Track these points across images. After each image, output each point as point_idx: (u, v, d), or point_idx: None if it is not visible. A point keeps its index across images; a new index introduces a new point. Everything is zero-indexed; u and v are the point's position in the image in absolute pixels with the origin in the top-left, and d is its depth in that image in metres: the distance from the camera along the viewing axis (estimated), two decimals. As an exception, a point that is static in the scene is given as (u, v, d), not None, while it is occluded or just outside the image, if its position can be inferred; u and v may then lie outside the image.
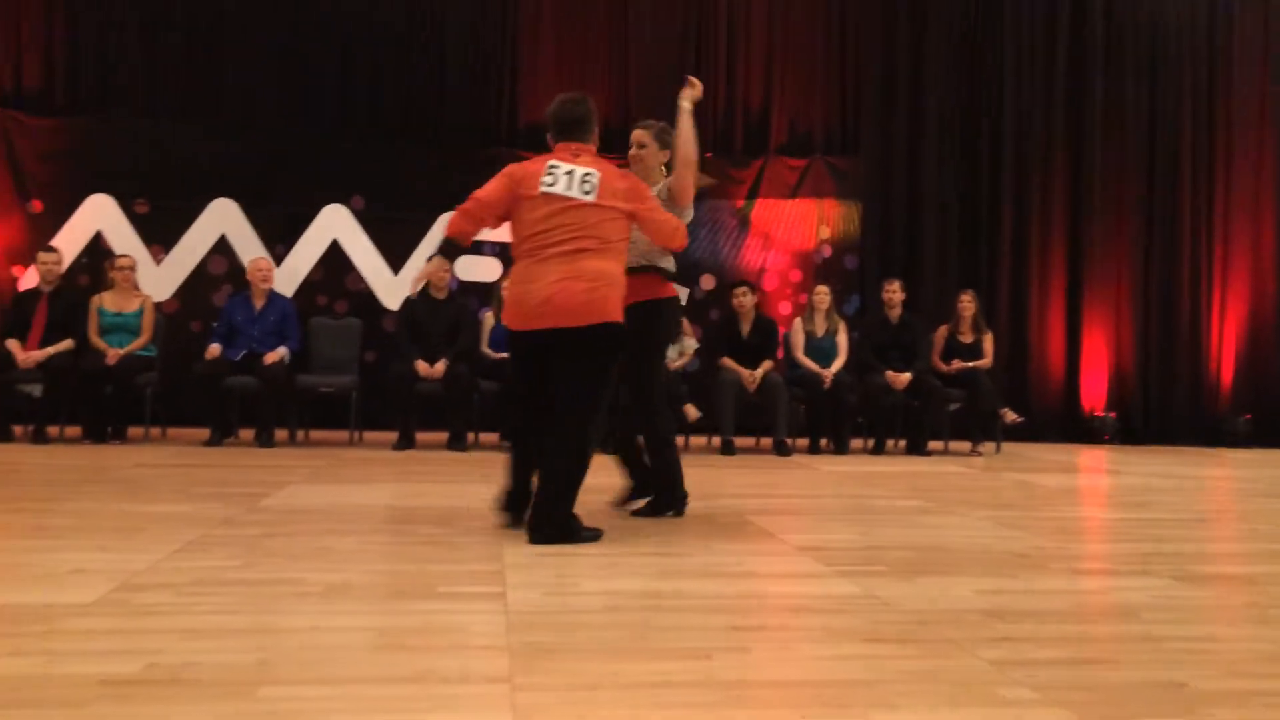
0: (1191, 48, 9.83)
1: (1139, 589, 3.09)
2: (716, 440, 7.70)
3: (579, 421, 3.64)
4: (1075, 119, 9.67)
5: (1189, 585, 3.15)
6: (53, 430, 7.01)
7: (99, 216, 8.30)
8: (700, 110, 9.89)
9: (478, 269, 8.73)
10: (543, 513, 3.59)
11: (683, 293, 7.82)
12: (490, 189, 3.90)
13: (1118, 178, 9.70)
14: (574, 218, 3.72)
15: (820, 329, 7.90)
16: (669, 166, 4.24)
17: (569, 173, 3.77)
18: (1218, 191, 9.84)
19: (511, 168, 3.96)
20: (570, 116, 3.95)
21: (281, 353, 7.18)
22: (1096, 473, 6.96)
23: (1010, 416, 8.04)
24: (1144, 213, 9.74)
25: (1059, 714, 1.95)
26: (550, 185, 3.76)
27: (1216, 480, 6.61)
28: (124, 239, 8.22)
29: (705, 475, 5.74)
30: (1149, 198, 9.76)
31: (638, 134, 4.36)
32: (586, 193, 3.74)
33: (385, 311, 8.52)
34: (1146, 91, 9.79)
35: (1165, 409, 9.65)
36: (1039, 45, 9.68)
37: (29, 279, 7.81)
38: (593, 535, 3.66)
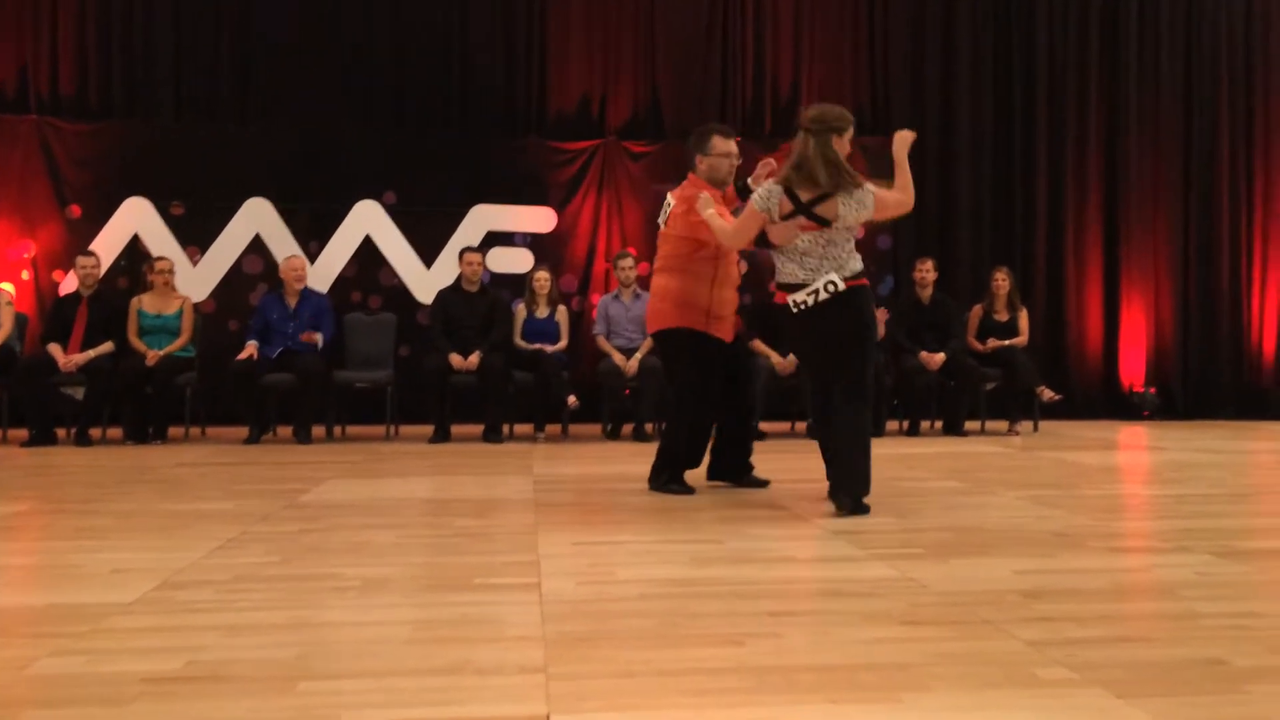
0: (1229, 14, 9.63)
1: (1178, 566, 3.06)
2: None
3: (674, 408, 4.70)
4: (1110, 92, 9.51)
5: (1229, 561, 3.11)
6: (95, 432, 7.13)
7: (136, 219, 8.40)
8: (729, 95, 9.88)
9: (510, 261, 8.74)
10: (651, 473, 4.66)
11: None
12: None
13: (1154, 150, 9.53)
14: (661, 242, 4.69)
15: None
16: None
17: (666, 201, 4.67)
18: (1256, 161, 9.65)
19: None
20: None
21: (317, 336, 7.26)
22: (1136, 449, 6.87)
23: (1048, 394, 7.95)
24: (1181, 185, 9.57)
25: (1096, 693, 1.94)
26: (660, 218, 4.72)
27: (1258, 454, 6.51)
28: (160, 241, 8.32)
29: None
30: (1185, 170, 9.59)
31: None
32: (663, 220, 4.65)
33: (419, 306, 8.56)
34: (1182, 62, 9.61)
35: (1206, 383, 9.50)
36: (1072, 18, 9.52)
37: (68, 284, 7.93)
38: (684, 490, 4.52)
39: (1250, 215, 9.64)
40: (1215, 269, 9.58)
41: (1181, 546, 3.35)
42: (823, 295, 3.96)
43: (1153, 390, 9.30)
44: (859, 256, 4.08)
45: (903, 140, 4.07)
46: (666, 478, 4.59)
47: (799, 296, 4.01)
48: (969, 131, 9.39)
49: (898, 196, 4.07)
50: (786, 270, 4.06)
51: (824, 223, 3.97)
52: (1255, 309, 9.62)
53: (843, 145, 4.03)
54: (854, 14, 9.43)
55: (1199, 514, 4.04)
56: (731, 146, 4.56)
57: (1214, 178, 9.60)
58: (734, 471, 4.78)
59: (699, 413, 4.59)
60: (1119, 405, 9.33)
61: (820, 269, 3.99)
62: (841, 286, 3.96)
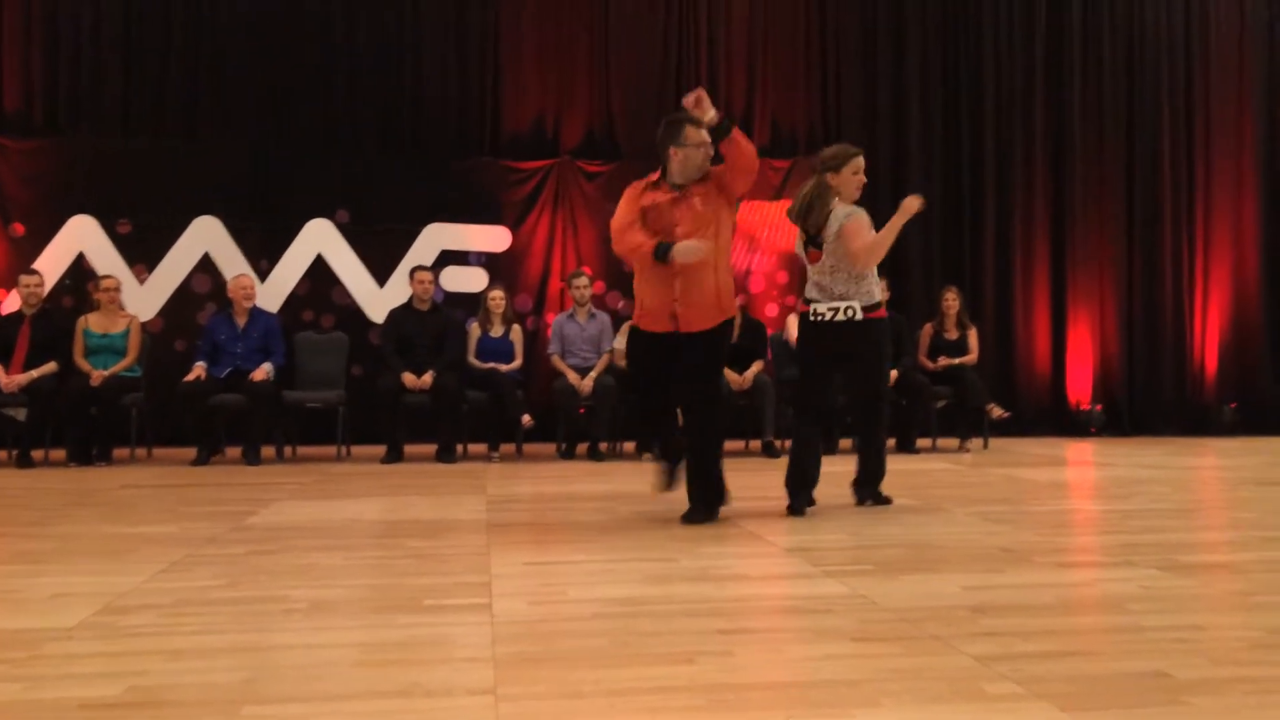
0: (1169, 39, 9.89)
1: (1124, 580, 3.10)
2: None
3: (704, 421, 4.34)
4: (1055, 114, 9.72)
5: (1174, 575, 3.17)
6: (37, 454, 6.98)
7: (81, 238, 8.27)
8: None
9: (465, 280, 8.71)
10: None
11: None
12: None
13: (1098, 171, 9.74)
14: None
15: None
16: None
17: None
18: (1198, 180, 9.90)
19: None
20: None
21: (266, 369, 7.16)
22: (1083, 466, 6.98)
23: (997, 412, 8.06)
24: (1125, 204, 9.79)
25: (1043, 707, 1.96)
26: None
27: (1202, 470, 6.64)
28: (107, 260, 8.19)
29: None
30: (1129, 189, 9.81)
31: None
32: None
33: (372, 325, 8.50)
34: (1125, 84, 9.85)
35: (1151, 400, 9.69)
36: (1018, 43, 9.72)
37: (11, 303, 7.77)
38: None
39: (1191, 237, 9.88)
40: (1158, 289, 9.79)
41: (1127, 561, 3.40)
42: (839, 317, 4.43)
43: (1099, 407, 9.47)
44: (879, 285, 4.59)
45: (906, 209, 4.42)
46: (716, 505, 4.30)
47: (819, 308, 4.48)
48: (919, 155, 9.54)
49: (866, 244, 4.40)
50: (811, 290, 4.56)
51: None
52: (1198, 328, 9.84)
53: (842, 178, 4.54)
54: (806, 36, 9.55)
55: (1144, 529, 4.10)
56: (704, 136, 4.24)
57: (1156, 201, 9.82)
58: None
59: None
60: (1066, 422, 9.48)
61: (832, 291, 4.47)
62: (859, 316, 4.42)
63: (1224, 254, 9.88)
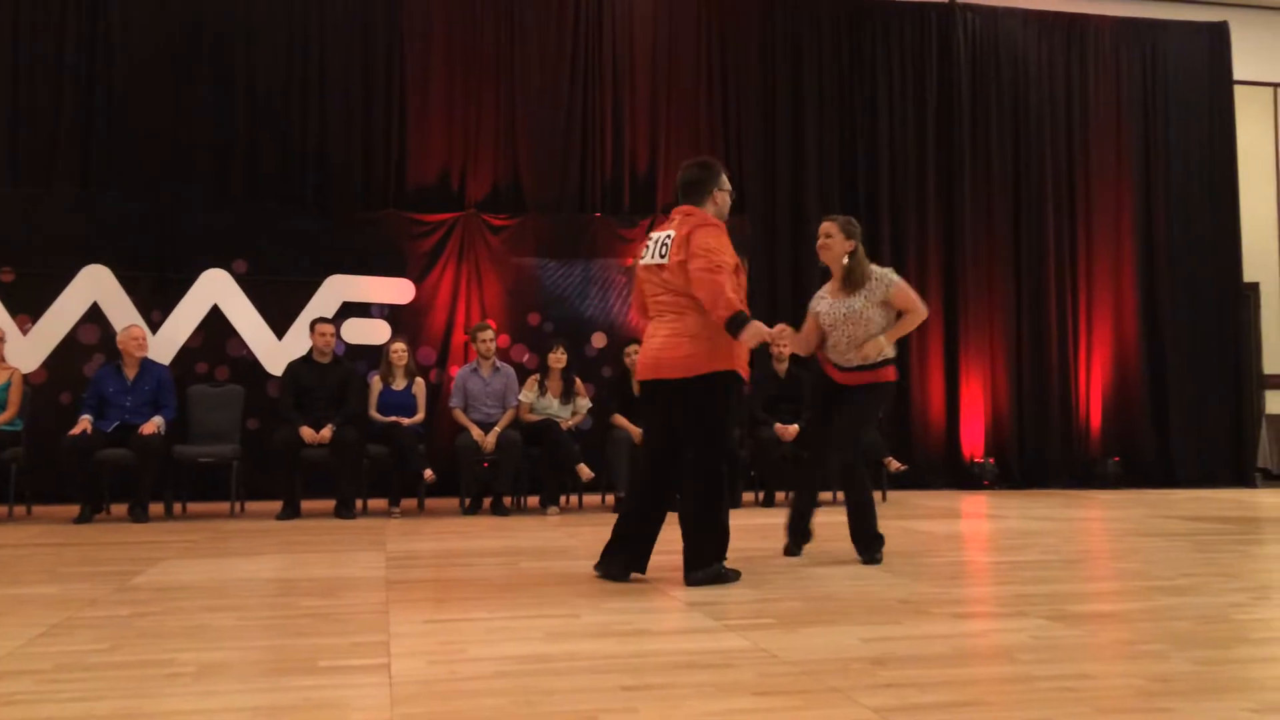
0: (1051, 101, 10.40)
1: (1016, 630, 3.19)
2: (610, 498, 7.70)
3: (697, 465, 4.05)
4: (946, 174, 10.09)
5: (1063, 625, 3.26)
6: (-93, 512, 6.62)
7: (-40, 285, 7.93)
8: (588, 171, 10.05)
9: (366, 332, 8.59)
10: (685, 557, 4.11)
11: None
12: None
13: (987, 235, 10.12)
14: (660, 279, 4.13)
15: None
16: (852, 256, 4.84)
17: (655, 240, 4.21)
18: (1079, 246, 10.36)
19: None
20: (684, 179, 4.31)
21: (157, 423, 6.92)
22: (977, 518, 7.16)
23: (894, 465, 8.23)
24: (1013, 267, 10.18)
25: (938, 758, 1.99)
26: (643, 257, 4.25)
27: (1089, 522, 6.87)
28: (-13, 309, 7.86)
29: (599, 534, 5.70)
30: (1016, 254, 10.22)
31: (826, 225, 4.94)
32: (663, 255, 4.11)
33: (269, 377, 8.29)
34: (1011, 145, 10.29)
35: (1040, 454, 10.01)
36: (910, 106, 10.09)
37: (-118, 352, 7.38)
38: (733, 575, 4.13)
39: (1075, 299, 10.30)
40: (1046, 348, 10.17)
41: (1019, 611, 3.49)
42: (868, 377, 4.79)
43: (991, 460, 9.75)
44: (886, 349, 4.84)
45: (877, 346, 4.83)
46: (717, 561, 4.08)
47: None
48: (818, 212, 9.74)
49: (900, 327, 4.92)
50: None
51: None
52: (1082, 386, 10.24)
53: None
54: (708, 96, 9.76)
55: (1035, 579, 4.23)
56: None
57: (1042, 264, 10.23)
58: (639, 560, 4.19)
59: (724, 461, 4.07)
60: (961, 475, 9.73)
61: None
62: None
63: (1105, 315, 10.32)
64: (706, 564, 4.04)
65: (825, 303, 4.91)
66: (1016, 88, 10.35)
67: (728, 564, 4.13)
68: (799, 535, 5.03)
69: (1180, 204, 10.53)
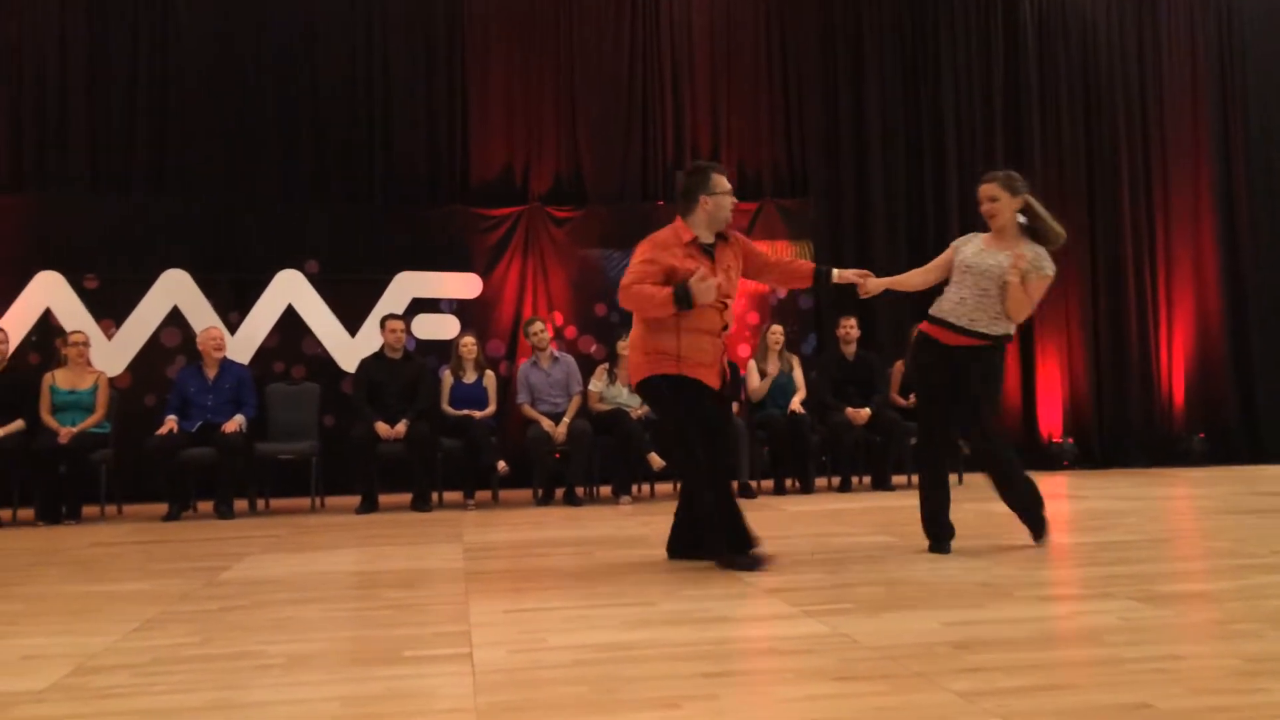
0: (1123, 72, 10.13)
1: (1103, 612, 3.12)
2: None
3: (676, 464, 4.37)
4: (1015, 151, 9.89)
5: (1151, 606, 3.18)
6: (4, 513, 6.86)
7: (47, 294, 8.19)
8: (650, 160, 10.04)
9: (436, 327, 8.70)
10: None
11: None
12: None
13: (1060, 208, 9.86)
14: None
15: (773, 367, 7.94)
16: (1027, 212, 4.49)
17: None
18: (1157, 214, 10.09)
19: None
20: (678, 189, 4.37)
21: (239, 421, 7.10)
22: (1057, 499, 7.02)
23: (966, 449, 8.09)
24: (1089, 241, 9.95)
25: (1028, 742, 1.96)
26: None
27: (1174, 500, 6.70)
28: (74, 315, 8.12)
29: (668, 522, 5.71)
30: (1092, 227, 9.99)
31: (987, 188, 4.50)
32: None
33: (344, 374, 8.45)
34: (1083, 120, 10.06)
35: (1120, 432, 9.79)
36: (977, 85, 9.91)
37: (-23, 361, 7.67)
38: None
39: (1154, 267, 10.06)
40: (1124, 324, 9.94)
41: (1105, 593, 3.42)
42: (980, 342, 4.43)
43: (1070, 440, 9.55)
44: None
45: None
46: (726, 550, 4.12)
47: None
48: (883, 192, 9.66)
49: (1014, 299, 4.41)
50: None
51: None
52: (1164, 361, 9.99)
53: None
54: (768, 78, 9.70)
55: (1120, 560, 4.13)
56: (728, 185, 4.26)
57: (1118, 232, 9.99)
58: (691, 546, 4.33)
59: (696, 458, 4.11)
60: (1039, 456, 9.55)
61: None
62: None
63: (1186, 287, 10.05)
64: (715, 556, 4.14)
65: (974, 246, 4.52)
66: (1086, 60, 10.11)
67: (758, 551, 4.18)
68: (944, 530, 4.53)
69: (1262, 175, 10.19)
